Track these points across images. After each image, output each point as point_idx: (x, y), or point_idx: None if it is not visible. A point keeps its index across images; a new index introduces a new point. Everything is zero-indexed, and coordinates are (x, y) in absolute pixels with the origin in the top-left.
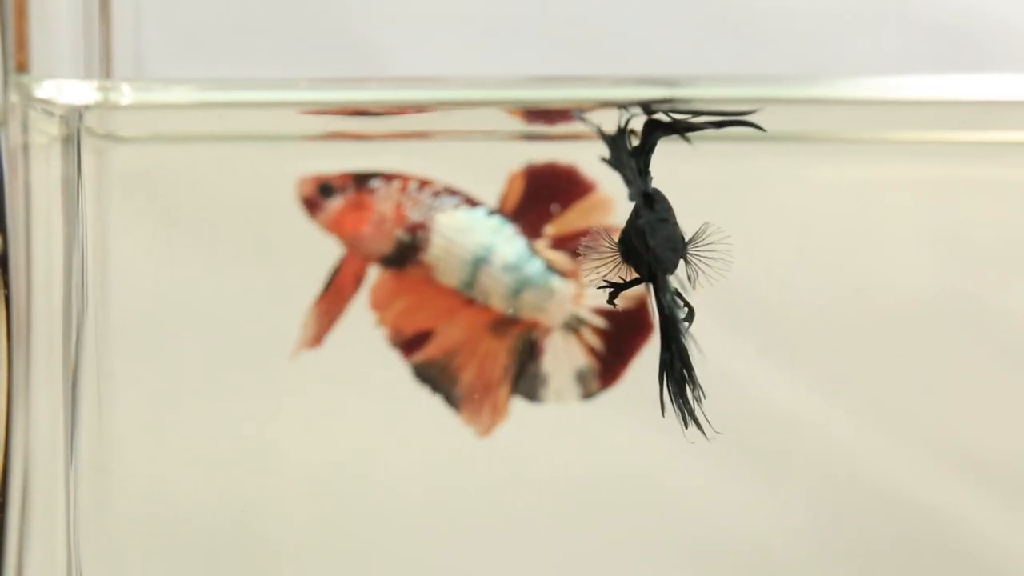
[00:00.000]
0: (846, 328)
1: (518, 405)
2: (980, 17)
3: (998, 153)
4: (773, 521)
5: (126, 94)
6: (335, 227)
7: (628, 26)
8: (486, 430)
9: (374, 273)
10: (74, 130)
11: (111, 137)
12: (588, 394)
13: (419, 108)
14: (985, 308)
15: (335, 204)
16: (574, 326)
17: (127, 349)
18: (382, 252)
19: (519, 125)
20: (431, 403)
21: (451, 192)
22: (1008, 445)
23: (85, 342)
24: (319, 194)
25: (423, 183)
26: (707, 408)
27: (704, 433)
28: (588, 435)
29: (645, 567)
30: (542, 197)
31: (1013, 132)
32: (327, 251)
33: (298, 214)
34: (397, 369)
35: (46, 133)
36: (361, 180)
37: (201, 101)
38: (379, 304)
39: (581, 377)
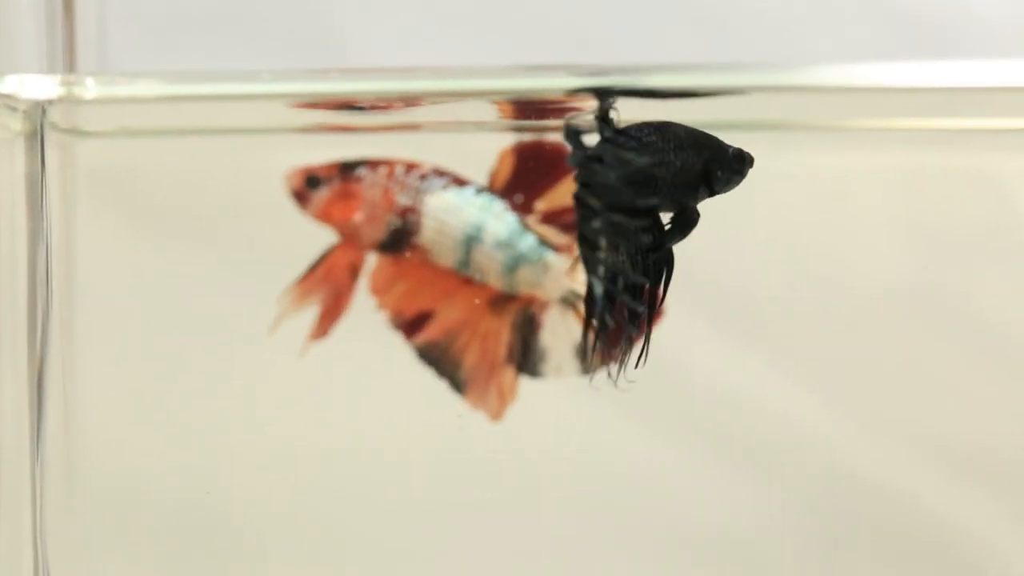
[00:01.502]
0: (818, 317)
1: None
2: (944, 3)
3: (965, 140)
4: (751, 510)
5: (90, 88)
6: (326, 217)
7: (596, 15)
8: (496, 413)
9: (372, 260)
10: (37, 125)
11: (75, 132)
12: (588, 369)
13: (396, 100)
14: (955, 297)
15: (323, 195)
16: (571, 300)
17: (92, 344)
18: (376, 239)
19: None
20: (403, 383)
21: (439, 173)
22: (980, 434)
23: (50, 337)
24: (307, 186)
25: (410, 167)
26: (682, 399)
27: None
28: (567, 421)
29: (623, 552)
30: (532, 173)
31: (980, 119)
32: (294, 244)
33: (265, 208)
34: (373, 352)
35: (9, 128)
36: (347, 169)
37: (167, 95)
38: (379, 289)
39: (580, 352)
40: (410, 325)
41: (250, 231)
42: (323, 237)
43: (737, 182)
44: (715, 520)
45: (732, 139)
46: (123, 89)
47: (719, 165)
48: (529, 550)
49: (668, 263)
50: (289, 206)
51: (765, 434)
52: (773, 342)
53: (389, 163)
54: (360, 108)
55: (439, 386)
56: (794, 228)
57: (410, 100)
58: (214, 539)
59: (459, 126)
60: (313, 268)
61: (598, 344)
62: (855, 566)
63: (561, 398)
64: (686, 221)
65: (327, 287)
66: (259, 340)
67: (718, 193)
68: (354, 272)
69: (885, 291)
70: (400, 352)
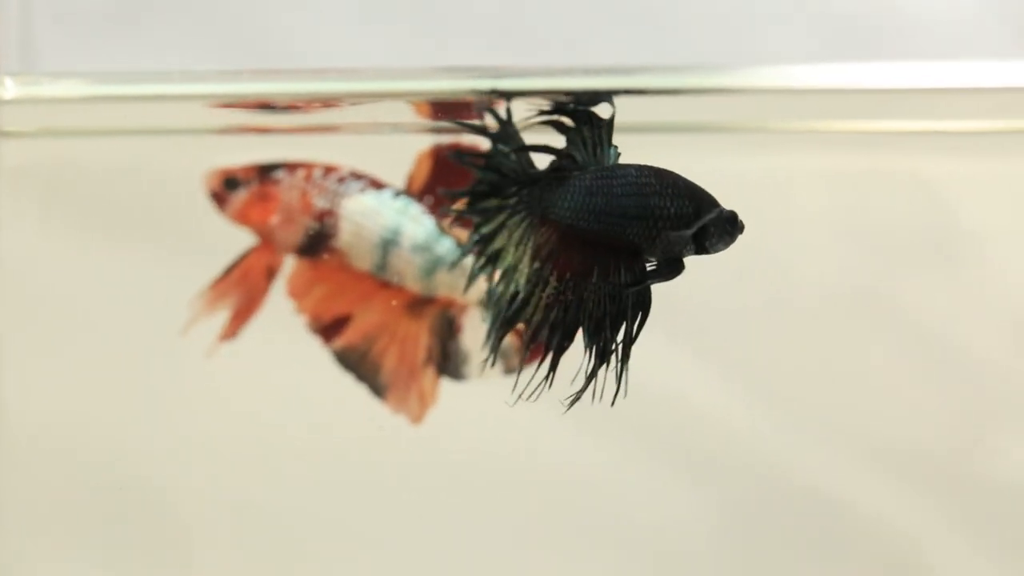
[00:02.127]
0: (753, 320)
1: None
2: (876, 5)
3: (898, 143)
4: (687, 512)
5: (9, 88)
6: (243, 219)
7: (531, 15)
8: (417, 417)
9: (290, 263)
10: None
11: None
12: (510, 369)
13: (314, 101)
14: (889, 300)
15: (241, 197)
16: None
17: (12, 341)
18: (293, 242)
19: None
20: (325, 383)
21: (356, 177)
22: (915, 436)
23: None
24: (224, 188)
25: (328, 169)
26: (617, 401)
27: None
28: (499, 419)
29: (555, 549)
30: (450, 176)
31: (912, 121)
32: (215, 244)
33: (186, 208)
34: (297, 352)
35: None
36: (266, 171)
37: (87, 95)
38: (297, 292)
39: (502, 353)
40: (328, 329)
41: (171, 231)
42: (244, 238)
43: (727, 243)
44: (651, 522)
45: (673, 141)
46: (45, 89)
47: (712, 222)
48: (453, 550)
49: (644, 303)
50: (210, 206)
51: (701, 435)
52: (709, 343)
53: (307, 166)
54: (279, 109)
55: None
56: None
57: (328, 102)
58: (132, 529)
59: (377, 128)
60: (229, 270)
61: (507, 345)
62: (790, 566)
63: (487, 401)
64: (672, 268)
65: (242, 289)
66: (178, 337)
67: (705, 251)
68: (270, 275)
69: (820, 294)
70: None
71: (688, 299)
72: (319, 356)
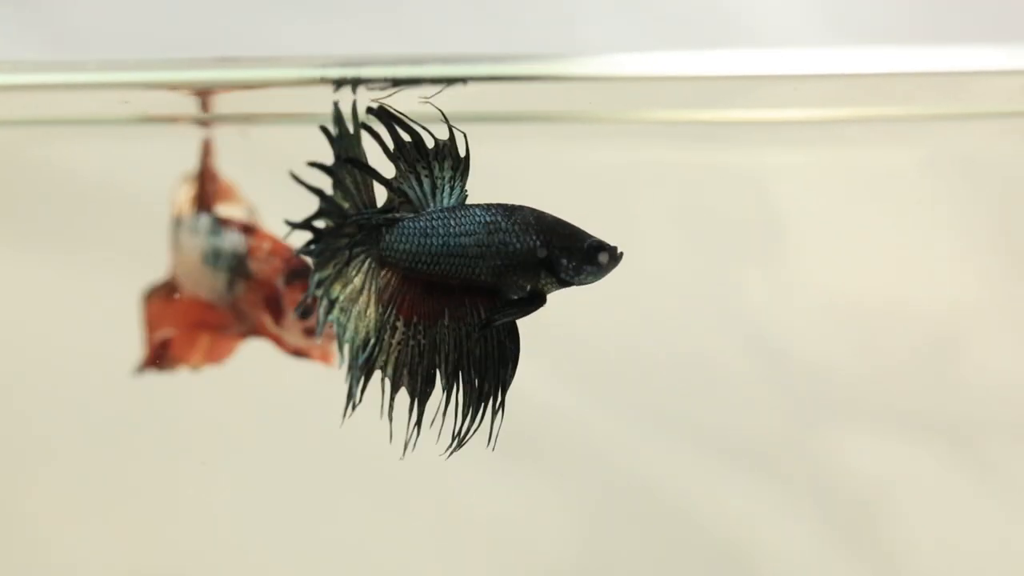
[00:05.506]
0: (591, 313)
1: None
2: None
3: (728, 134)
4: (525, 502)
5: None
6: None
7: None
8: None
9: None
10: None
11: None
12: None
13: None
14: (723, 291)
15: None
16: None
17: None
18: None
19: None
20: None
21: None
22: (747, 424)
23: None
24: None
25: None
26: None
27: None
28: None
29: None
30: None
31: (741, 110)
32: (109, 234)
33: (70, 200)
34: None
35: None
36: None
37: None
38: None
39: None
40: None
41: (59, 221)
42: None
43: (593, 274)
44: (489, 509)
45: (512, 132)
46: None
47: (567, 254)
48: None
49: (512, 340)
50: (105, 197)
51: (541, 428)
52: (546, 335)
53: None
54: None
55: None
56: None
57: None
58: None
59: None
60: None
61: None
62: (634, 555)
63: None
64: (530, 302)
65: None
66: (65, 329)
67: (571, 282)
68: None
69: (655, 286)
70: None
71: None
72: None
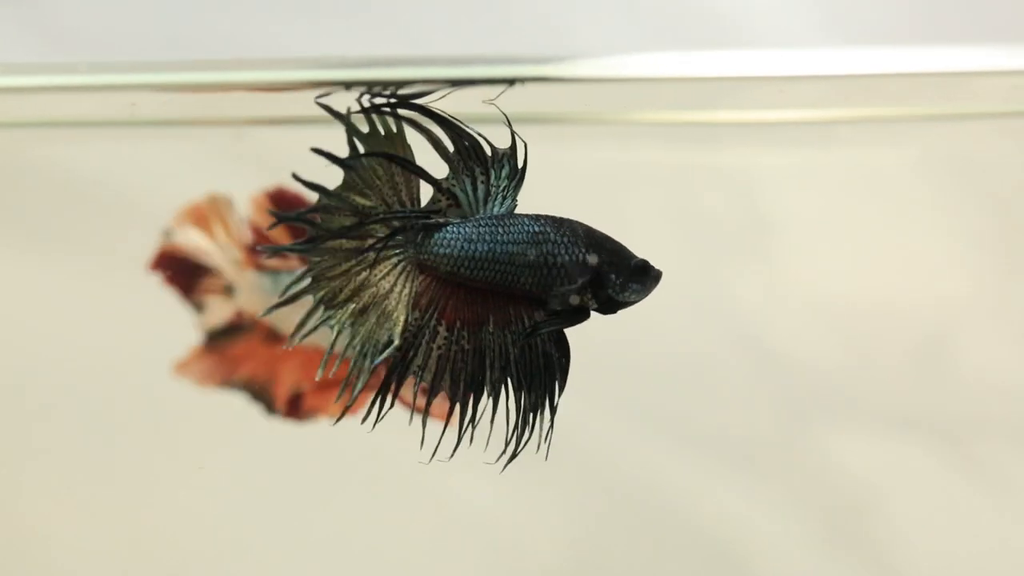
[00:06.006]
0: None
1: None
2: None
3: (726, 135)
4: (510, 499)
5: None
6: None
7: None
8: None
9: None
10: None
11: None
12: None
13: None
14: (713, 291)
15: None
16: None
17: None
18: None
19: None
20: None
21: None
22: (736, 422)
23: None
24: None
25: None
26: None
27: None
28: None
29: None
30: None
31: (732, 111)
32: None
33: (39, 200)
34: None
35: None
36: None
37: None
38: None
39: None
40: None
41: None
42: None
43: (639, 292)
44: (483, 506)
45: (487, 132)
46: None
47: (615, 270)
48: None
49: (561, 353)
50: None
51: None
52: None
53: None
54: None
55: None
56: None
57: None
58: None
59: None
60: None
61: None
62: (625, 550)
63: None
64: (575, 315)
65: None
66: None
67: (616, 300)
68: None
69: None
70: None
71: None
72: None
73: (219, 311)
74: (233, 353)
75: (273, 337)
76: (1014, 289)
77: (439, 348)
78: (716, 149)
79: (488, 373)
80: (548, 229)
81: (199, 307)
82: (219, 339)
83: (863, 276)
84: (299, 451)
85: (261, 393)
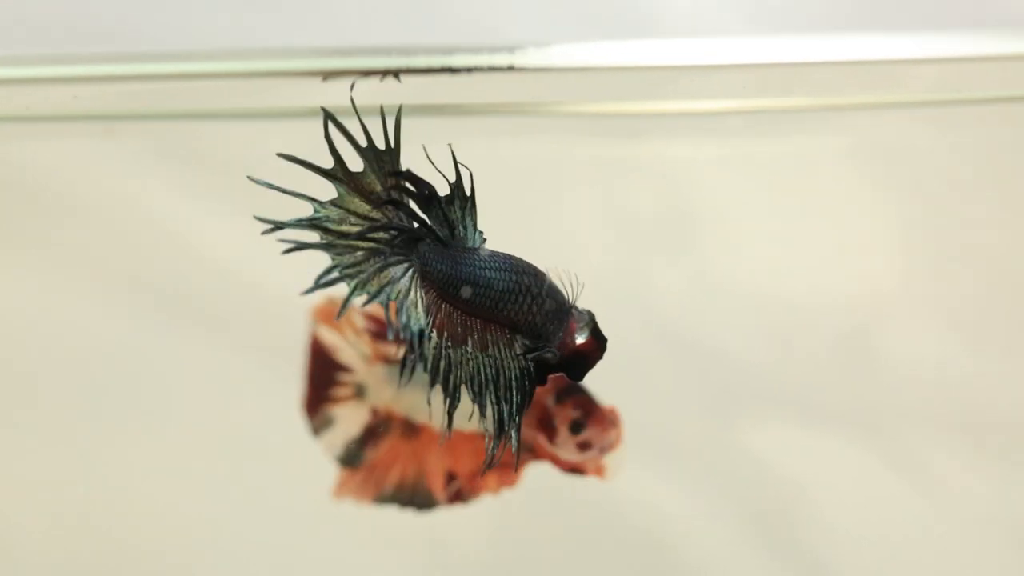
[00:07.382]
0: None
1: None
2: None
3: (651, 126)
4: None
5: None
6: None
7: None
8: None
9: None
10: None
11: None
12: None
13: None
14: (645, 285)
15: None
16: None
17: None
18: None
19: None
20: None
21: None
22: (662, 417)
23: None
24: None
25: None
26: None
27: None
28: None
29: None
30: None
31: (656, 101)
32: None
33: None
34: None
35: None
36: None
37: None
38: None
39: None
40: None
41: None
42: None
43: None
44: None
45: (444, 125)
46: None
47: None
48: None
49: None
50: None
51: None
52: None
53: None
54: None
55: None
56: (499, 214)
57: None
58: None
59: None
60: None
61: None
62: (551, 544)
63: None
64: (540, 350)
65: None
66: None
67: (542, 353)
68: None
69: (573, 279)
70: None
71: None
72: None
73: (353, 417)
74: (379, 460)
75: (410, 430)
76: (941, 280)
77: (432, 351)
78: (640, 141)
79: (468, 384)
80: (519, 263)
81: (325, 425)
82: (361, 450)
83: (789, 268)
84: (298, 451)
85: (415, 491)
